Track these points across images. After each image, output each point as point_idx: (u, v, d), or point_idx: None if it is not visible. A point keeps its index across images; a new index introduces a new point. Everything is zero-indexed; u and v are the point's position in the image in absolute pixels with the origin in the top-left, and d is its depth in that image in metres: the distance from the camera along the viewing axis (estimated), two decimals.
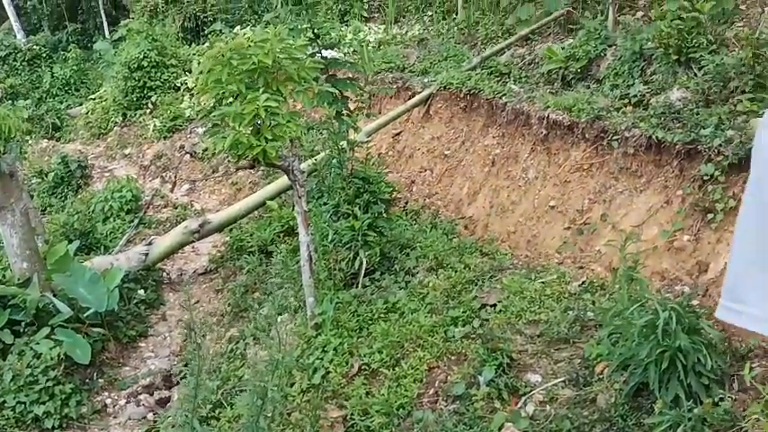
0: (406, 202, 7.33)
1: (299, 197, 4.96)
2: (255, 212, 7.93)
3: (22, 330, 5.72)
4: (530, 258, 5.80)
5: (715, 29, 5.86)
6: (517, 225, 6.29)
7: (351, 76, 6.57)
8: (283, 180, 7.17)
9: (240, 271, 7.01)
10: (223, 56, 4.47)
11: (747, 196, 1.68)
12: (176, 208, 9.28)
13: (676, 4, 5.88)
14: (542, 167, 6.32)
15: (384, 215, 5.99)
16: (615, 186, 5.47)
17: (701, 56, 5.55)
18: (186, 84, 11.89)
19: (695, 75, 5.58)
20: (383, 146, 8.87)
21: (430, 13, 12.12)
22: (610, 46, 7.11)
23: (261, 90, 4.45)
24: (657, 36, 6.01)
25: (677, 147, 4.87)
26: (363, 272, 5.59)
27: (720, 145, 4.53)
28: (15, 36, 17.70)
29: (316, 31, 5.94)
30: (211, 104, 4.96)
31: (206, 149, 10.02)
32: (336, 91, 5.44)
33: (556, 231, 5.84)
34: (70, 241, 6.98)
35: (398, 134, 8.82)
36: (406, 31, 11.90)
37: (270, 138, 4.42)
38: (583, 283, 4.78)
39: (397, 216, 6.63)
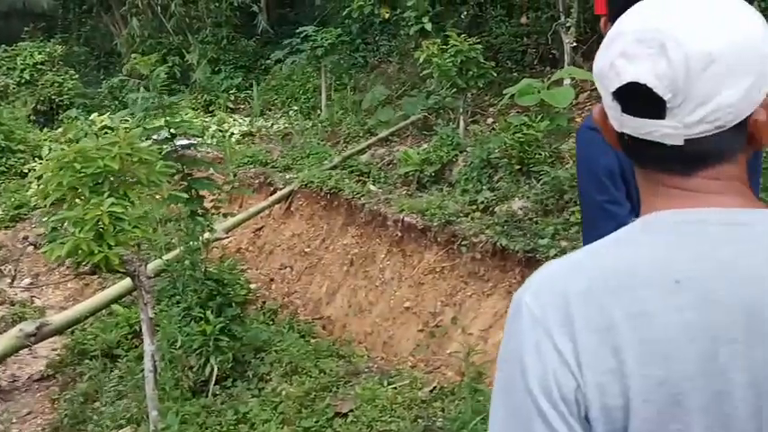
0: (264, 302, 7.21)
1: (145, 303, 4.74)
2: (103, 311, 7.48)
3: None
4: (385, 361, 5.83)
5: (551, 143, 6.38)
6: (374, 326, 6.34)
7: (208, 175, 6.49)
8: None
9: (81, 378, 6.51)
10: (67, 159, 4.29)
11: None
12: (14, 305, 8.55)
13: (517, 120, 6.36)
14: (398, 269, 6.46)
15: (239, 317, 5.85)
16: (465, 290, 5.67)
17: (540, 168, 6.00)
18: (34, 170, 11.25)
19: (535, 185, 6.00)
20: (244, 240, 8.75)
21: (296, 108, 12.37)
22: (461, 152, 7.53)
23: (106, 194, 4.29)
24: (502, 147, 6.45)
25: (519, 255, 5.17)
26: (214, 379, 5.37)
27: (555, 255, 4.85)
28: None
29: (173, 130, 5.88)
30: (51, 208, 4.71)
31: None
32: (186, 196, 5.34)
33: (410, 333, 5.93)
34: None
35: (259, 229, 8.76)
36: (272, 125, 12.05)
37: (112, 244, 4.24)
38: (434, 389, 4.84)
39: (253, 318, 6.49)
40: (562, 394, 0.89)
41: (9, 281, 9.49)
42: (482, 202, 6.20)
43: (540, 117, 6.40)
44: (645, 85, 0.92)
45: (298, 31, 11.37)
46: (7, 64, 15.02)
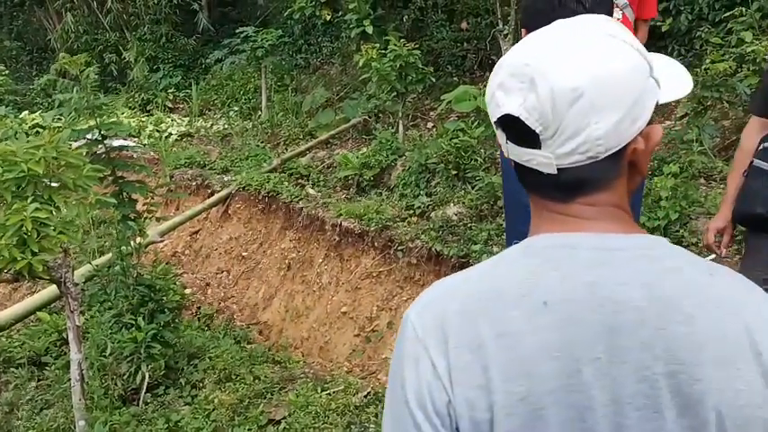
0: (199, 307, 7.10)
1: (72, 311, 4.61)
2: (31, 317, 7.24)
3: None
4: (322, 366, 5.81)
5: (486, 150, 6.48)
6: (311, 331, 6.32)
7: (141, 178, 6.34)
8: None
9: (6, 387, 6.27)
10: None
11: None
12: None
13: (453, 125, 6.44)
14: (335, 273, 6.46)
15: (172, 324, 5.73)
16: (401, 295, 5.71)
17: (475, 174, 6.08)
18: None
19: (470, 191, 6.08)
20: (180, 244, 8.60)
21: (236, 108, 12.22)
22: (400, 156, 7.58)
23: (30, 199, 4.15)
24: (439, 152, 6.52)
25: (453, 260, 5.23)
26: (145, 387, 5.25)
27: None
28: None
29: (103, 132, 5.73)
30: None
31: None
32: (114, 201, 5.21)
33: (347, 338, 5.93)
34: None
35: (196, 233, 8.62)
36: (211, 125, 11.88)
37: (37, 251, 4.10)
38: (368, 394, 4.85)
39: (188, 324, 6.38)
40: (435, 408, 0.95)
41: None
42: (419, 207, 6.25)
43: (476, 123, 6.49)
44: (518, 118, 0.97)
45: (238, 31, 11.23)
46: None
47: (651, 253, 0.99)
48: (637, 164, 1.02)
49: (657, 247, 1.01)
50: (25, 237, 4.12)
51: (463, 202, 5.89)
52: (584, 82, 0.94)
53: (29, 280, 4.82)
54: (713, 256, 2.90)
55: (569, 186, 1.01)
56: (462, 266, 5.22)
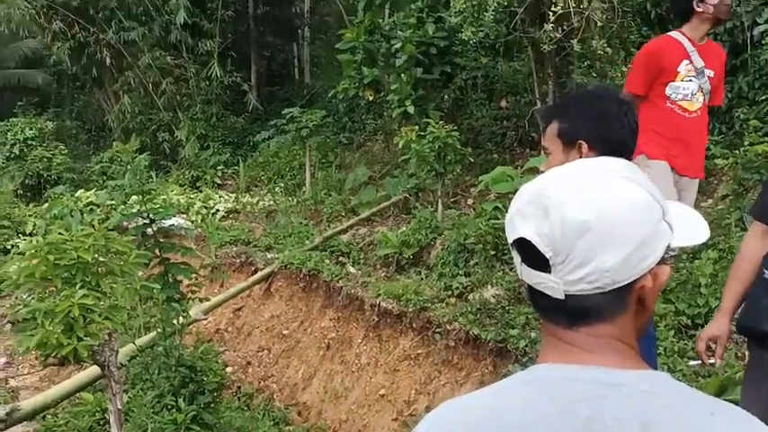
0: (240, 386, 7.14)
1: (114, 394, 4.71)
2: (77, 395, 7.37)
3: None
4: None
5: None
6: (349, 413, 6.27)
7: (186, 260, 6.52)
8: None
9: None
10: (40, 251, 4.34)
11: None
12: None
13: (491, 205, 6.49)
14: (374, 354, 6.45)
15: (211, 405, 5.78)
16: (439, 378, 5.66)
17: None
18: (17, 246, 11.27)
19: (508, 273, 6.07)
20: (223, 321, 8.73)
21: (282, 185, 12.52)
22: (439, 235, 7.63)
23: (78, 285, 4.32)
24: (477, 232, 6.55)
25: (490, 344, 5.19)
26: None
27: (526, 346, 4.88)
28: None
29: (151, 216, 5.95)
30: (25, 298, 4.73)
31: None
32: (158, 286, 5.37)
33: (385, 421, 5.87)
34: None
35: (239, 309, 8.75)
36: (257, 201, 12.17)
37: (82, 336, 4.24)
38: None
39: (227, 404, 6.41)
40: None
41: None
42: (457, 288, 6.25)
43: None
44: (531, 242, 1.04)
45: (284, 112, 11.63)
46: None
47: (651, 389, 1.01)
48: (644, 300, 1.06)
49: (658, 382, 1.03)
50: (72, 322, 4.28)
51: (501, 284, 5.87)
52: (592, 216, 1.00)
53: (74, 363, 4.95)
54: (699, 362, 2.81)
55: (575, 314, 1.05)
56: (500, 351, 5.18)
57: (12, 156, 14.84)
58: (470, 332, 5.41)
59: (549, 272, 1.03)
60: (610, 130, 2.13)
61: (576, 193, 1.03)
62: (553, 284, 1.04)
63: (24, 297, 8.88)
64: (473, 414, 1.07)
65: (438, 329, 5.76)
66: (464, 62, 10.50)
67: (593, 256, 1.00)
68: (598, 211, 1.01)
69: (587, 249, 1.00)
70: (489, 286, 5.88)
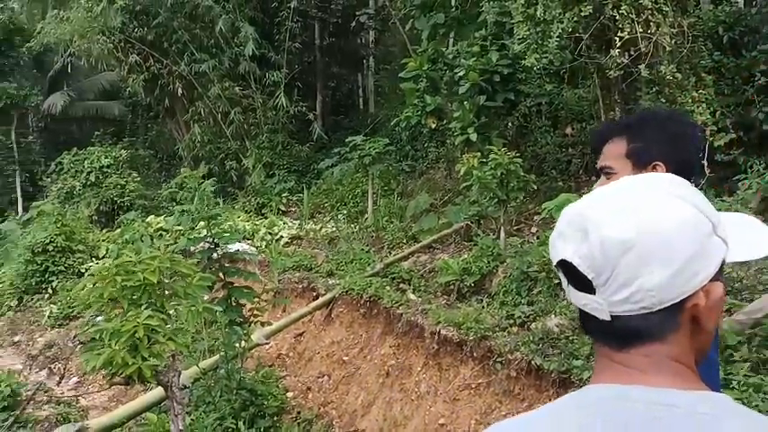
0: (299, 411, 7.14)
1: (176, 415, 4.78)
2: (143, 415, 7.53)
3: None
4: None
5: None
6: None
7: (249, 284, 6.63)
8: None
9: None
10: (109, 272, 4.48)
11: None
12: (59, 405, 8.69)
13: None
14: (434, 382, 6.36)
15: (272, 430, 5.82)
16: (500, 409, 5.53)
17: None
18: (90, 270, 11.71)
19: None
20: (284, 346, 8.79)
21: (344, 212, 12.64)
22: (501, 263, 7.52)
23: (143, 306, 4.44)
24: (540, 260, 6.43)
25: (553, 375, 5.04)
26: None
27: (590, 377, 4.70)
28: None
29: (216, 241, 6.09)
30: (92, 318, 4.88)
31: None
32: (220, 309, 5.46)
33: None
34: None
35: (300, 335, 8.80)
36: (320, 228, 12.30)
37: (147, 356, 4.33)
38: None
39: (287, 429, 6.42)
40: None
41: (57, 379, 9.70)
42: (519, 317, 6.13)
43: None
44: (572, 263, 1.01)
45: (348, 140, 11.77)
46: (76, 166, 15.95)
47: (711, 411, 0.96)
48: (699, 319, 1.01)
49: (717, 405, 0.98)
50: (137, 343, 4.38)
51: (565, 313, 5.72)
52: (633, 235, 0.97)
53: (139, 383, 5.06)
54: None
55: (624, 335, 1.02)
56: (563, 382, 5.02)
57: (88, 183, 15.50)
58: (533, 362, 5.28)
59: (594, 293, 1.01)
60: (685, 152, 2.08)
61: (617, 212, 1.00)
62: (597, 306, 1.01)
63: (94, 317, 9.19)
64: None
65: (499, 359, 5.64)
66: (528, 89, 10.43)
67: (637, 275, 0.97)
68: (639, 230, 0.97)
69: (630, 269, 0.97)
70: (553, 315, 5.74)
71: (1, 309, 12.17)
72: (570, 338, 5.33)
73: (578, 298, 1.04)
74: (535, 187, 8.12)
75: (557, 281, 6.31)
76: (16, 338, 11.09)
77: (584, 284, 1.01)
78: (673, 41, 7.04)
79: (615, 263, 0.97)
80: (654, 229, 0.98)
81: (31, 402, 8.73)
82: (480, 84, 9.59)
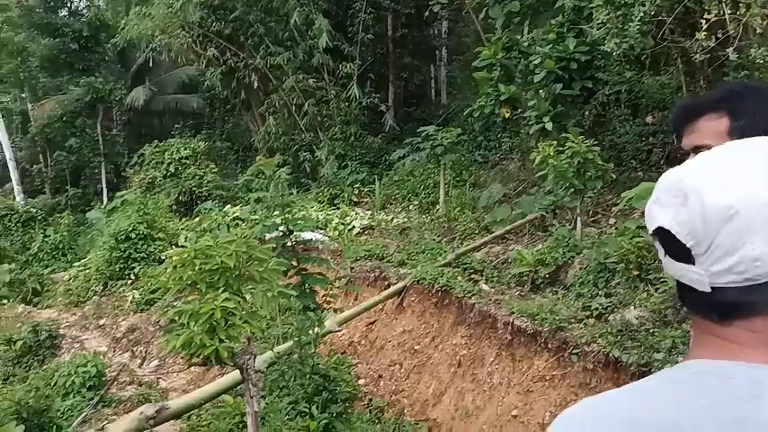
0: (371, 399, 7.18)
1: (251, 396, 4.87)
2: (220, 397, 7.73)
3: None
4: None
5: None
6: None
7: (322, 271, 6.71)
8: None
9: None
10: (188, 255, 4.59)
11: None
12: (141, 386, 9.06)
13: (635, 223, 6.15)
14: (507, 373, 6.27)
15: (343, 415, 5.85)
16: (575, 401, 5.38)
17: (659, 276, 5.71)
18: (170, 253, 12.08)
19: (653, 294, 5.71)
20: (356, 334, 8.85)
21: (416, 203, 12.62)
22: (578, 254, 7.33)
23: (221, 289, 4.53)
24: (619, 251, 6.23)
25: (632, 368, 4.88)
26: None
27: None
28: (15, 198, 18.27)
29: (290, 228, 6.17)
30: (172, 300, 5.03)
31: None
32: (294, 293, 5.53)
33: None
34: (23, 420, 6.74)
35: (372, 323, 8.84)
36: (392, 219, 12.32)
37: (223, 338, 4.43)
38: None
39: (359, 415, 6.46)
40: None
41: (139, 362, 10.09)
42: (596, 309, 5.96)
43: None
44: (671, 231, 0.95)
45: (420, 130, 11.72)
46: (157, 158, 16.51)
47: None
48: None
49: None
50: (215, 325, 4.48)
51: (645, 306, 5.52)
52: (736, 201, 0.90)
53: (216, 364, 5.18)
54: None
55: (725, 308, 0.94)
56: (642, 376, 4.84)
57: (168, 174, 16.02)
58: (610, 354, 5.13)
59: (693, 263, 0.94)
60: None
61: (719, 177, 0.93)
62: (697, 276, 0.94)
63: (173, 302, 9.49)
64: (612, 413, 0.98)
65: (575, 350, 5.51)
66: (606, 77, 10.11)
67: (740, 244, 0.89)
68: (743, 196, 0.90)
69: (733, 237, 0.90)
70: (632, 307, 5.56)
71: (88, 293, 12.73)
72: (651, 331, 5.14)
73: (676, 269, 0.98)
74: (614, 177, 7.86)
75: (636, 272, 6.11)
76: (101, 322, 11.59)
77: (683, 254, 0.94)
78: (764, 23, 6.67)
79: (716, 231, 0.90)
80: (760, 195, 0.90)
81: (115, 383, 9.12)
82: (556, 72, 9.35)
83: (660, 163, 9.42)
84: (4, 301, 12.21)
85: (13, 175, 19.16)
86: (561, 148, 7.53)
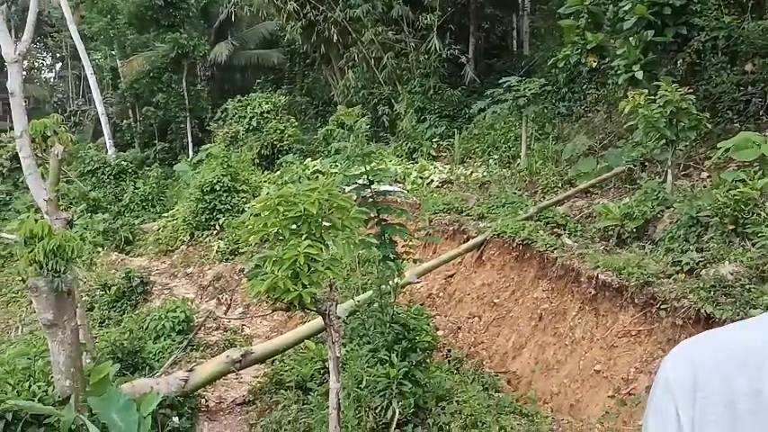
0: (450, 350, 7.19)
1: (333, 342, 4.95)
2: (301, 344, 7.93)
3: None
4: (571, 425, 5.51)
5: None
6: (561, 386, 6.04)
7: (402, 221, 6.68)
8: None
9: (276, 406, 6.92)
10: (271, 202, 4.65)
11: None
12: (227, 331, 9.39)
13: (732, 175, 5.83)
14: (590, 328, 6.14)
15: (423, 364, 5.88)
16: (662, 357, 5.22)
17: (757, 230, 5.41)
18: (254, 201, 12.38)
19: (750, 249, 5.42)
20: (435, 287, 8.85)
21: (496, 156, 12.39)
22: (668, 208, 7.04)
23: (303, 236, 4.58)
24: (713, 205, 5.93)
25: (726, 324, 4.66)
26: (395, 423, 5.43)
27: None
28: (107, 151, 19.06)
29: (371, 178, 6.16)
30: (256, 248, 5.12)
31: None
32: (376, 242, 5.53)
33: (600, 398, 5.57)
34: (118, 360, 7.12)
35: (451, 276, 8.81)
36: (471, 173, 12.16)
37: (306, 284, 4.49)
38: None
39: (438, 365, 6.49)
40: None
41: (225, 309, 10.45)
42: (687, 264, 5.72)
43: (759, 173, 5.81)
44: None
45: (501, 81, 11.43)
46: (239, 112, 16.81)
47: None
48: None
49: None
50: (298, 271, 4.55)
51: (741, 261, 5.25)
52: None
53: (299, 310, 5.27)
54: None
55: None
56: None
57: (250, 128, 16.32)
58: (702, 310, 4.92)
59: None
60: None
61: None
62: None
63: (257, 250, 9.73)
64: (729, 343, 1.01)
65: (664, 306, 5.31)
66: (703, 22, 9.51)
67: None
68: None
69: None
70: (726, 262, 5.29)
71: (176, 243, 13.24)
72: (747, 287, 4.90)
73: None
74: (708, 128, 7.46)
75: (732, 227, 5.81)
76: (189, 270, 12.04)
77: None
78: None
79: None
80: None
81: (202, 328, 9.49)
82: (648, 17, 8.88)
83: (759, 113, 8.87)
84: (99, 248, 12.84)
85: (105, 129, 19.95)
86: (653, 97, 7.18)
